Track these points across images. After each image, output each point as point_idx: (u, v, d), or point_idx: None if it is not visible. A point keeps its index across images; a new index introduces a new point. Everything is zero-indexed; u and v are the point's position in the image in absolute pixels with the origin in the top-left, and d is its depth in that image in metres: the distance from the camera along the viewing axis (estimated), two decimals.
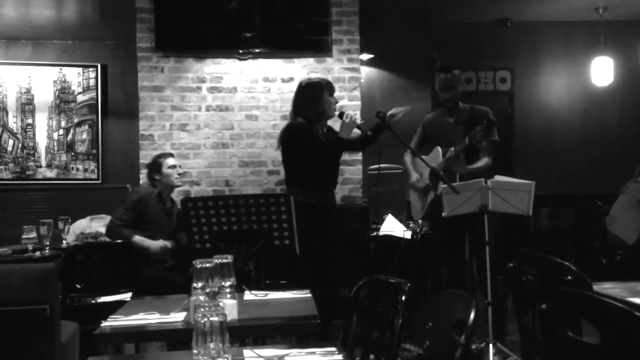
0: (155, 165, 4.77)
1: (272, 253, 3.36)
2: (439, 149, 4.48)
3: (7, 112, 6.89)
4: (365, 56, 6.37)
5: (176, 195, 5.22)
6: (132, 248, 4.44)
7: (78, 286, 4.27)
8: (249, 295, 2.87)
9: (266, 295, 2.88)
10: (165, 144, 5.73)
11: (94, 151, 6.99)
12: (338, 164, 4.43)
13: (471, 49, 7.45)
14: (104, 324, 2.38)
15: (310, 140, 4.18)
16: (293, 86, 5.84)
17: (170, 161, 4.75)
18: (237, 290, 2.43)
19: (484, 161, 4.51)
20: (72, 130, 6.99)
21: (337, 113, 4.25)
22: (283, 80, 5.88)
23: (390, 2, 6.54)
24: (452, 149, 4.35)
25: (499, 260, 3.77)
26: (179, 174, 4.81)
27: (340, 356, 1.92)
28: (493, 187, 3.91)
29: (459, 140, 4.39)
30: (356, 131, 4.30)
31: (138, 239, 4.57)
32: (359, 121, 4.25)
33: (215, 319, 1.49)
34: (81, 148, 6.98)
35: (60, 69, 6.97)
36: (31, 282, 3.06)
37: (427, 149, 4.67)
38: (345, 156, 5.91)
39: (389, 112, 4.23)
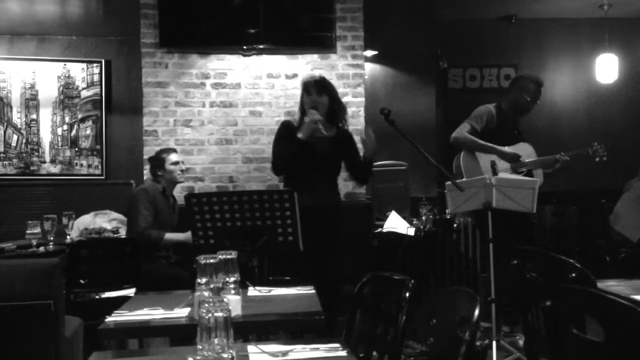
0: (158, 161, 4.77)
1: (275, 249, 3.36)
2: (530, 145, 4.58)
3: (11, 108, 6.89)
4: (369, 52, 6.36)
5: (179, 191, 5.23)
6: (136, 243, 4.44)
7: (82, 281, 4.27)
8: (252, 291, 2.88)
9: (270, 291, 2.88)
10: (169, 140, 5.74)
11: (98, 147, 6.99)
12: (326, 163, 4.14)
13: (475, 45, 7.44)
14: (108, 319, 2.38)
15: (279, 139, 4.17)
16: (297, 82, 5.85)
17: (173, 157, 4.75)
18: (241, 286, 2.44)
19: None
20: (76, 126, 6.99)
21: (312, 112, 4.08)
22: (287, 77, 5.88)
23: None
24: (563, 153, 4.61)
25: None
26: (182, 170, 4.81)
27: (344, 352, 1.92)
28: (497, 185, 3.90)
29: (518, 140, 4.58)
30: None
31: (169, 235, 4.60)
32: (320, 126, 4.00)
33: (220, 314, 1.49)
34: (85, 144, 6.98)
35: (65, 65, 6.97)
36: (35, 278, 3.06)
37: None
38: None
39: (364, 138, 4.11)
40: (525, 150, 4.56)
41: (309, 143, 4.00)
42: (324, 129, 4.01)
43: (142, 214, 4.56)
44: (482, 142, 4.59)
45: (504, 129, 4.65)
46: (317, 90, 4.07)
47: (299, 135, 3.98)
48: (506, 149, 4.62)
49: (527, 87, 4.64)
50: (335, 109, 4.13)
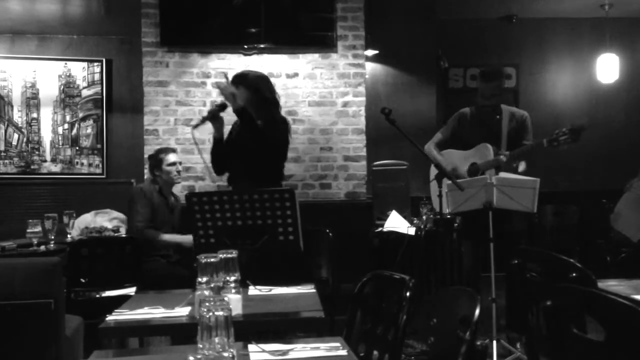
0: (156, 161, 4.77)
1: (276, 248, 3.35)
2: (489, 145, 4.43)
3: (12, 106, 6.89)
4: (370, 52, 6.36)
5: (180, 190, 5.23)
6: (136, 242, 4.45)
7: (82, 280, 4.27)
8: (253, 291, 2.88)
9: (270, 290, 2.88)
10: (170, 139, 5.74)
11: (99, 146, 6.99)
12: (243, 157, 4.00)
13: (476, 45, 7.44)
14: (109, 318, 2.38)
15: None
16: (298, 82, 5.87)
17: (171, 157, 4.74)
18: (242, 285, 2.44)
19: (523, 165, 4.48)
20: (76, 125, 6.99)
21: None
22: (288, 76, 5.88)
23: None
24: (507, 152, 4.32)
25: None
26: (178, 172, 4.78)
27: (344, 351, 1.92)
28: (498, 184, 3.90)
29: (503, 141, 4.39)
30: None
31: (167, 236, 4.59)
32: (214, 115, 4.02)
33: (221, 313, 1.49)
34: (86, 143, 6.98)
35: (66, 64, 6.97)
36: (36, 276, 3.06)
37: (451, 145, 4.65)
38: (350, 152, 5.94)
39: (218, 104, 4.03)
40: (481, 152, 4.51)
41: (229, 140, 4.02)
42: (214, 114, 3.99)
43: (138, 213, 4.57)
44: (435, 156, 4.62)
45: (482, 127, 4.60)
46: (232, 83, 4.01)
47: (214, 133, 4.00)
48: (446, 166, 4.52)
49: (479, 89, 4.63)
50: (253, 101, 3.98)
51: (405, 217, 5.29)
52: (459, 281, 4.83)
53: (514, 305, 3.93)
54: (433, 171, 4.64)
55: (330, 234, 4.43)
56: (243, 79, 4.03)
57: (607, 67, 7.10)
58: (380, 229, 5.29)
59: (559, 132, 4.12)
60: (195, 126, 3.99)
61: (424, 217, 5.10)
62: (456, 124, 4.73)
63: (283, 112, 5.75)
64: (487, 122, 4.58)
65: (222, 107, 4.00)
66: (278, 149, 4.03)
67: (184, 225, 4.70)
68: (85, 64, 7.00)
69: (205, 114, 4.06)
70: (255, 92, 4.00)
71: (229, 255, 2.30)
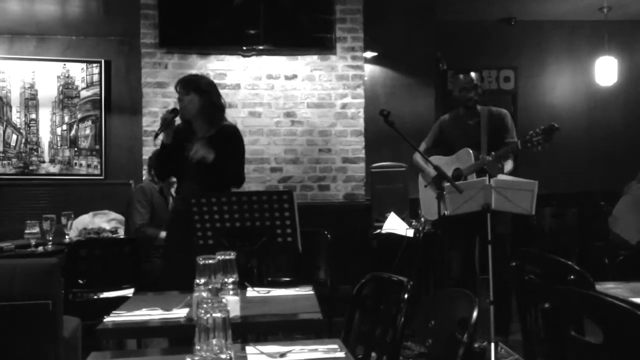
0: (154, 161, 4.79)
1: (274, 250, 3.35)
2: (470, 150, 4.41)
3: (10, 107, 6.89)
4: (369, 54, 6.36)
5: None
6: (135, 243, 4.44)
7: (80, 282, 4.27)
8: (251, 292, 2.88)
9: (268, 292, 2.88)
10: None
11: (97, 147, 6.99)
12: (194, 166, 3.70)
13: (475, 47, 7.45)
14: (107, 319, 2.37)
15: None
16: (296, 83, 5.87)
17: None
18: (240, 286, 2.43)
19: (510, 165, 4.44)
20: (75, 126, 6.99)
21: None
22: (286, 78, 5.88)
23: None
24: (493, 153, 4.28)
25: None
26: None
27: (342, 353, 1.92)
28: (496, 186, 3.90)
29: (483, 142, 4.37)
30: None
31: (164, 234, 4.60)
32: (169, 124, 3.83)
33: (218, 315, 1.49)
34: (84, 144, 6.98)
35: (64, 65, 6.97)
36: (34, 277, 3.06)
37: (439, 150, 4.64)
38: (349, 154, 5.94)
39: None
40: (463, 157, 4.50)
41: (179, 146, 3.77)
42: (166, 127, 3.79)
43: (138, 212, 4.60)
44: (420, 163, 4.58)
45: (461, 131, 4.58)
46: (182, 90, 3.90)
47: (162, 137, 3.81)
48: (430, 169, 4.42)
49: (453, 83, 4.59)
50: (206, 106, 3.84)
51: (403, 219, 5.30)
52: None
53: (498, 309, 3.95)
54: (422, 180, 4.66)
55: (329, 236, 4.43)
56: (194, 85, 3.88)
57: (606, 70, 7.10)
58: (378, 230, 5.30)
59: (532, 133, 4.11)
60: (156, 135, 3.88)
61: (423, 219, 5.10)
62: (437, 130, 4.72)
63: (282, 114, 5.83)
64: (465, 125, 4.55)
65: (174, 112, 3.85)
66: (230, 157, 3.79)
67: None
68: (84, 65, 7.00)
69: (160, 121, 3.87)
70: (205, 97, 3.85)
71: (227, 257, 2.29)
